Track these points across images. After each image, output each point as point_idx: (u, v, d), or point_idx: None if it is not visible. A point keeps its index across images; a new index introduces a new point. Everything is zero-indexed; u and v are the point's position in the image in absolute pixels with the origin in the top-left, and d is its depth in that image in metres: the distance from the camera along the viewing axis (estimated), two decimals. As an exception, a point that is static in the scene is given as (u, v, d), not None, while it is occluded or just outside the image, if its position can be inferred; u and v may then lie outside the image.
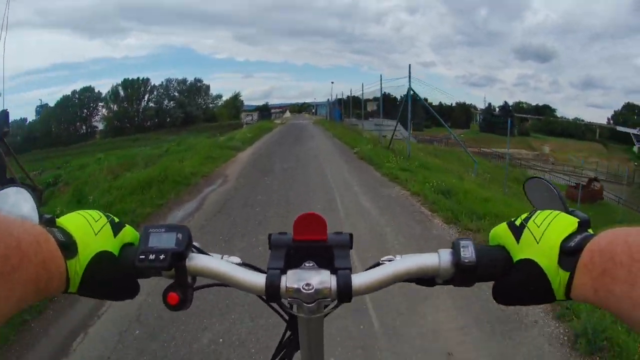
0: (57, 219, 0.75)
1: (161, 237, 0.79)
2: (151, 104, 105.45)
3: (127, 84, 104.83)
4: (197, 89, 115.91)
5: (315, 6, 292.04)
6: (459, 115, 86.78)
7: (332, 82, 79.28)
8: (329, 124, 47.45)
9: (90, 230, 0.77)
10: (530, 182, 0.99)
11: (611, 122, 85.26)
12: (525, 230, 0.75)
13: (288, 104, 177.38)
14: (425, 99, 19.59)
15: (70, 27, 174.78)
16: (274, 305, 0.89)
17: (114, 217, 0.84)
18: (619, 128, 74.68)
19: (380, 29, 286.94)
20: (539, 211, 0.78)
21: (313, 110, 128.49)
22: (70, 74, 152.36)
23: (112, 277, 0.78)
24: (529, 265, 0.71)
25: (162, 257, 0.76)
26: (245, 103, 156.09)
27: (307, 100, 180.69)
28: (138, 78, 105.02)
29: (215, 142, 24.36)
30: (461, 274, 0.77)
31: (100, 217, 0.81)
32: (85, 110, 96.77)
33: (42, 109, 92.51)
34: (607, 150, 70.32)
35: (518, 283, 0.74)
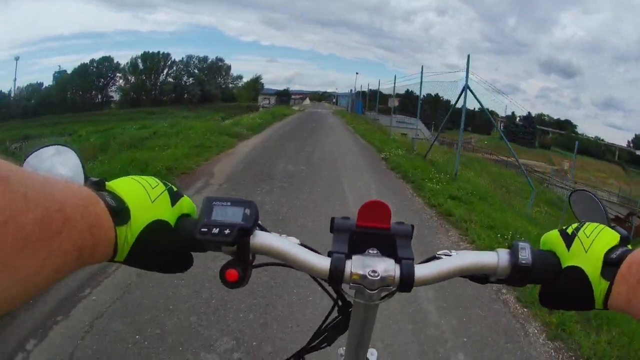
0: (107, 183, 0.71)
1: (226, 210, 0.75)
2: (170, 79, 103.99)
3: (146, 57, 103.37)
4: (217, 68, 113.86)
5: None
6: (480, 120, 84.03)
7: (357, 73, 74.31)
8: (350, 116, 43.53)
9: (146, 197, 0.73)
10: (576, 195, 1.00)
11: (631, 145, 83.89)
12: (576, 240, 0.77)
13: (309, 92, 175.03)
14: (448, 101, 17.50)
15: None
16: (328, 288, 0.88)
17: (173, 186, 0.80)
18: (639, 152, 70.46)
19: (409, 28, 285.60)
20: (587, 223, 0.80)
21: (334, 100, 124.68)
22: (93, 43, 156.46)
23: (166, 249, 0.74)
24: (577, 272, 0.74)
25: (227, 231, 0.72)
26: (267, 87, 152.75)
27: (329, 90, 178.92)
28: (158, 52, 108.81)
29: (217, 125, 20.48)
30: (517, 274, 0.78)
31: (158, 184, 0.77)
32: (102, 80, 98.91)
33: (60, 75, 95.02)
34: (625, 173, 67.70)
35: (565, 288, 0.76)
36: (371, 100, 42.08)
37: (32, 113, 79.53)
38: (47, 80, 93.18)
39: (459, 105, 13.11)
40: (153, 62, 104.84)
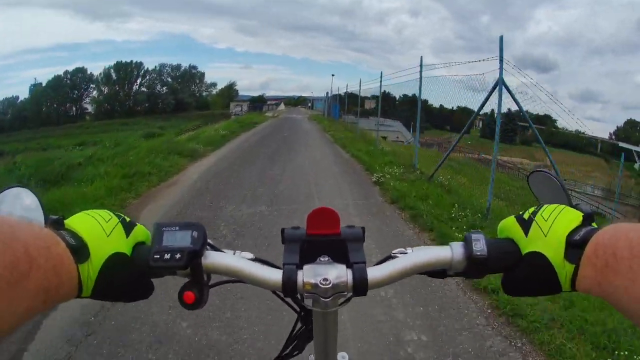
0: (65, 221, 0.71)
1: (175, 235, 0.75)
2: (143, 89, 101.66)
3: (119, 66, 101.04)
4: (191, 75, 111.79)
5: (318, 3, 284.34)
6: (459, 119, 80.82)
7: (333, 75, 69.64)
8: (327, 121, 39.49)
9: (101, 232, 0.73)
10: (535, 176, 0.96)
11: (613, 137, 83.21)
12: (534, 224, 0.75)
13: (285, 97, 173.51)
14: (426, 100, 16.62)
15: (72, 9, 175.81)
16: (288, 299, 0.88)
17: (125, 216, 0.80)
18: (622, 144, 70.72)
19: (382, 29, 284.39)
20: (545, 205, 0.77)
21: (309, 105, 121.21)
22: (70, 55, 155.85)
23: (126, 279, 0.74)
24: (538, 257, 0.71)
25: (177, 256, 0.72)
26: (242, 93, 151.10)
27: (304, 94, 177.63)
28: (131, 61, 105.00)
29: (168, 142, 16.72)
30: (473, 266, 0.77)
31: (111, 217, 0.77)
32: (76, 92, 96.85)
33: (34, 87, 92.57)
34: (608, 166, 64.91)
35: (527, 275, 0.74)
36: (349, 103, 37.78)
37: (8, 128, 79.36)
38: (24, 94, 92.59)
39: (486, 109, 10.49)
40: (126, 71, 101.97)
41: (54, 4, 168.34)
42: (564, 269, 0.67)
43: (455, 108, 17.65)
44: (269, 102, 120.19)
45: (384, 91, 20.69)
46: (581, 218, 0.70)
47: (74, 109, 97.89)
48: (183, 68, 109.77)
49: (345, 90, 37.79)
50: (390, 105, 25.68)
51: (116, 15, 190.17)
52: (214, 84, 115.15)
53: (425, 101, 16.46)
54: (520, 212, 0.79)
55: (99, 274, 0.68)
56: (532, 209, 0.78)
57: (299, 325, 0.99)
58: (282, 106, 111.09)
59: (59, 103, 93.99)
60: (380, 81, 19.42)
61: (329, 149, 19.19)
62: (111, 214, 0.77)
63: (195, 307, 0.75)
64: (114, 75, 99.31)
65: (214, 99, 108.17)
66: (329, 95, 48.75)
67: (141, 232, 0.80)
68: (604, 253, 0.59)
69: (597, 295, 0.62)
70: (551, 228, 0.71)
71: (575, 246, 0.66)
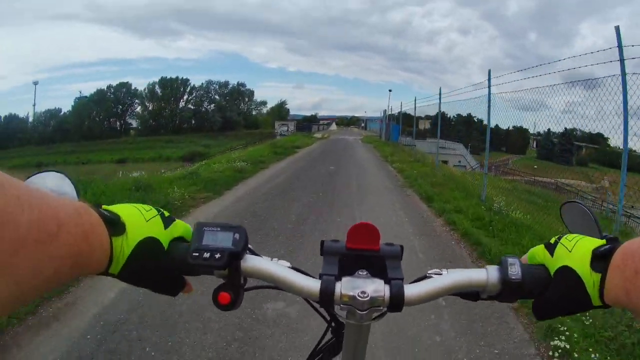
0: (103, 205, 0.69)
1: (217, 235, 0.76)
2: (190, 106, 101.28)
3: (164, 82, 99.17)
4: (239, 93, 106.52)
5: (368, 22, 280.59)
6: (515, 139, 77.81)
7: (390, 91, 57.72)
8: (385, 146, 31.28)
9: (140, 216, 0.73)
10: (567, 206, 0.97)
11: None
12: (559, 245, 0.76)
13: (337, 117, 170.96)
14: (481, 120, 15.77)
15: (121, 25, 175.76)
16: (320, 310, 0.90)
17: (165, 211, 0.80)
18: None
19: (432, 49, 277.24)
20: (570, 233, 0.78)
21: (362, 125, 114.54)
22: (118, 70, 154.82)
23: (159, 268, 0.74)
24: (564, 271, 0.72)
25: (217, 256, 0.73)
26: (294, 112, 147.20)
27: (357, 114, 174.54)
28: (177, 77, 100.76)
29: (178, 177, 12.34)
30: (507, 290, 0.77)
31: (151, 208, 0.77)
32: (119, 106, 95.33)
33: (78, 100, 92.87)
34: None
35: (556, 293, 0.73)
36: (402, 124, 35.59)
37: (48, 140, 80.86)
38: (68, 107, 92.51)
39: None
40: (172, 87, 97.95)
41: (102, 19, 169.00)
42: (590, 279, 0.67)
43: (511, 128, 14.98)
44: (321, 122, 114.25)
45: (443, 112, 19.05)
46: (605, 241, 0.68)
47: (118, 123, 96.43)
48: (231, 85, 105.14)
49: (399, 110, 32.35)
50: (446, 126, 23.53)
51: (166, 33, 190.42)
52: (264, 102, 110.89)
53: (481, 121, 15.67)
54: (549, 241, 0.79)
55: (132, 253, 0.67)
56: (558, 236, 0.78)
57: (328, 336, 0.98)
58: (333, 126, 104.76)
59: (102, 117, 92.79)
60: (440, 99, 16.95)
61: (399, 196, 11.41)
62: (151, 206, 0.77)
63: (229, 308, 0.75)
64: (159, 91, 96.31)
65: (264, 117, 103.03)
66: (386, 113, 40.21)
67: (180, 227, 0.79)
68: (633, 261, 0.59)
69: (626, 306, 0.61)
70: (576, 245, 0.72)
71: (601, 257, 0.66)
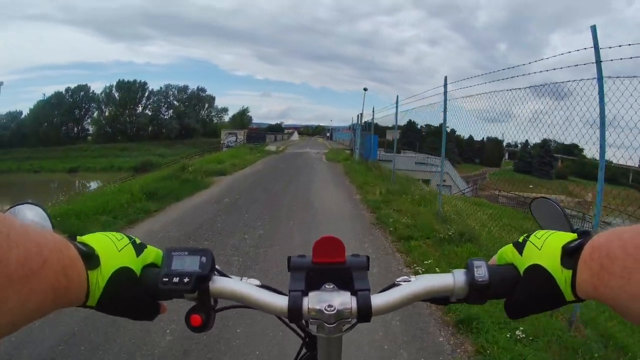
0: (77, 237, 0.70)
1: (184, 260, 0.75)
2: (147, 111, 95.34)
3: (121, 85, 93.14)
4: (198, 99, 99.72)
5: (337, 32, 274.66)
6: (490, 151, 75.13)
7: (366, 89, 41.59)
8: (362, 169, 20.45)
9: (113, 246, 0.72)
10: (536, 203, 0.95)
11: None
12: (528, 243, 0.74)
13: (302, 126, 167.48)
14: (454, 131, 13.71)
15: (92, 27, 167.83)
16: (293, 325, 0.89)
17: (136, 238, 0.79)
18: (655, 172, 60.21)
19: (401, 59, 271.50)
20: (539, 230, 0.77)
21: (327, 134, 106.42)
22: (90, 74, 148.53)
23: (133, 296, 0.73)
24: (534, 269, 0.70)
25: (186, 280, 0.72)
26: (260, 121, 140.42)
27: (322, 124, 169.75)
28: (135, 80, 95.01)
29: None
30: (475, 293, 0.76)
31: (122, 237, 0.76)
32: (77, 111, 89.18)
33: (40, 103, 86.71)
34: None
35: (527, 291, 0.72)
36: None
37: (6, 144, 74.28)
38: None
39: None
40: (129, 91, 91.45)
41: (74, 21, 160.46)
42: (562, 276, 0.66)
43: (485, 139, 13.99)
44: (286, 131, 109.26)
45: (410, 120, 18.54)
46: (576, 235, 0.68)
47: (75, 129, 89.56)
48: (190, 90, 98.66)
49: (371, 117, 24.65)
50: (415, 137, 23.23)
51: (135, 37, 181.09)
52: (225, 109, 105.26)
53: (453, 131, 14.61)
54: (518, 240, 0.77)
55: (107, 285, 0.67)
56: (526, 234, 0.76)
57: (303, 351, 0.98)
58: (295, 136, 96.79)
59: (60, 122, 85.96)
60: (397, 106, 15.35)
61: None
62: (123, 235, 0.76)
63: (201, 330, 0.74)
64: (116, 95, 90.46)
65: (225, 125, 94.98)
66: (359, 120, 28.76)
67: (151, 254, 0.79)
68: (599, 255, 0.59)
69: (596, 299, 0.62)
70: (545, 242, 0.70)
71: (570, 253, 0.65)
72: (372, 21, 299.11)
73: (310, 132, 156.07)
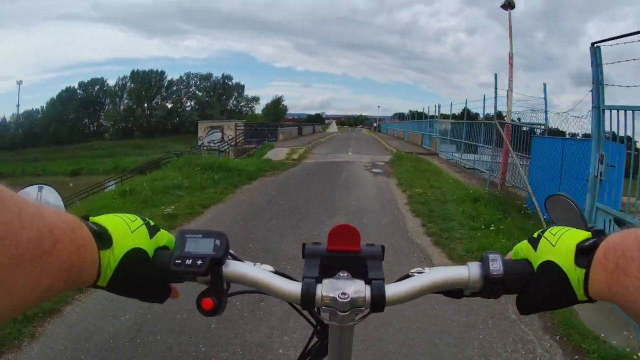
0: (90, 217, 0.67)
1: (198, 242, 0.71)
2: (167, 104, 79.26)
3: (137, 76, 76.60)
4: (225, 88, 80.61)
5: (375, 22, 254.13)
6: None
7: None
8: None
9: (126, 227, 0.69)
10: (552, 199, 0.91)
11: None
12: (542, 239, 0.69)
13: (344, 116, 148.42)
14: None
15: (127, 24, 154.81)
16: (305, 312, 0.83)
17: (150, 220, 0.76)
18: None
19: (440, 48, 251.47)
20: (554, 226, 0.72)
21: (375, 124, 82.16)
22: (126, 69, 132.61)
23: (145, 277, 0.70)
24: (548, 266, 0.66)
25: (199, 262, 0.69)
26: (301, 111, 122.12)
27: (365, 113, 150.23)
28: (151, 70, 78.35)
29: None
30: (489, 286, 0.72)
31: (136, 218, 0.73)
32: (91, 107, 75.83)
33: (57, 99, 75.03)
34: None
35: (540, 288, 0.68)
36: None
37: (19, 144, 66.94)
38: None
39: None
40: (145, 82, 75.11)
41: (108, 18, 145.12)
42: (575, 274, 0.62)
43: None
44: (326, 121, 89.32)
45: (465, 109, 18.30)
46: (591, 234, 0.64)
47: (92, 126, 77.28)
48: (214, 78, 79.88)
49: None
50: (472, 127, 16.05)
51: (172, 32, 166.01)
52: (256, 98, 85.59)
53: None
54: (533, 234, 0.73)
55: (119, 265, 0.64)
56: (542, 229, 0.72)
57: (314, 340, 0.90)
58: (333, 127, 72.29)
59: (75, 119, 74.03)
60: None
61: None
62: (137, 216, 0.73)
63: (212, 314, 0.71)
64: (131, 87, 75.70)
65: (255, 116, 76.78)
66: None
67: (164, 237, 0.75)
68: (614, 255, 0.56)
69: (609, 300, 0.58)
70: (560, 239, 0.66)
71: (585, 251, 0.61)
72: (410, 11, 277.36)
73: (352, 122, 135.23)
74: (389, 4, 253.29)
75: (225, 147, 25.58)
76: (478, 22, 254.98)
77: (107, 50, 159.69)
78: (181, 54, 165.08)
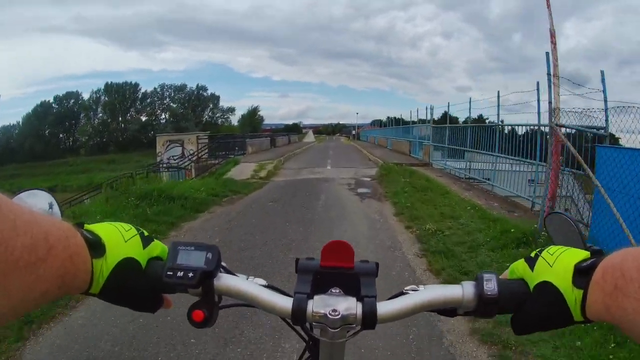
0: (84, 224, 0.66)
1: (190, 254, 0.71)
2: (141, 117, 76.21)
3: (111, 89, 73.22)
4: (200, 99, 78.39)
5: (352, 28, 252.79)
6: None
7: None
8: None
9: (120, 237, 0.69)
10: (551, 217, 0.89)
11: None
12: (539, 259, 0.68)
13: (321, 125, 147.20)
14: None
15: (106, 37, 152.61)
16: (297, 328, 0.83)
17: (144, 231, 0.75)
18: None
19: (416, 54, 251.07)
20: (552, 246, 0.71)
21: (354, 132, 79.90)
22: (104, 82, 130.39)
23: (136, 287, 0.69)
24: (545, 287, 0.64)
25: (190, 275, 0.68)
26: (279, 121, 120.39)
27: (342, 122, 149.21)
28: (125, 82, 75.57)
29: None
30: (483, 306, 0.70)
31: (130, 228, 0.72)
32: (66, 121, 72.30)
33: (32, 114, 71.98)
34: None
35: (536, 308, 0.66)
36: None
37: None
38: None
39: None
40: (118, 95, 72.41)
41: (88, 31, 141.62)
42: (572, 295, 0.60)
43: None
44: (304, 131, 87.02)
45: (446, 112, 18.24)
46: (589, 254, 0.62)
47: (68, 141, 73.21)
48: (188, 89, 77.30)
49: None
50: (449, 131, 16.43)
51: (151, 44, 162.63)
52: (231, 109, 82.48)
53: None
54: (530, 254, 0.71)
55: (111, 274, 0.64)
56: (539, 249, 0.70)
57: (306, 354, 0.89)
58: (310, 136, 70.12)
59: (50, 134, 70.76)
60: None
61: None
62: (131, 226, 0.73)
63: (203, 325, 0.69)
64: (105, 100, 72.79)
65: (231, 128, 73.35)
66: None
67: (158, 247, 0.74)
68: (613, 276, 0.54)
69: (607, 321, 0.56)
70: (557, 259, 0.64)
71: (583, 272, 0.59)
72: (387, 17, 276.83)
73: (330, 130, 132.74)
74: (366, 10, 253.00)
75: (186, 164, 22.37)
76: (454, 25, 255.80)
77: (87, 63, 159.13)
78: (159, 66, 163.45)
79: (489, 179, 11.93)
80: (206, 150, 23.77)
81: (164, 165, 24.01)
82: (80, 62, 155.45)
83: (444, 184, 11.75)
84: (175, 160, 25.21)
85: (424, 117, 20.28)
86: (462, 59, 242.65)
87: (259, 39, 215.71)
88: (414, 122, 23.22)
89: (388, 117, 39.61)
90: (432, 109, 19.07)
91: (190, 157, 24.41)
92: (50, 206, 0.77)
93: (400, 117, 32.22)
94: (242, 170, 15.81)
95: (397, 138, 28.63)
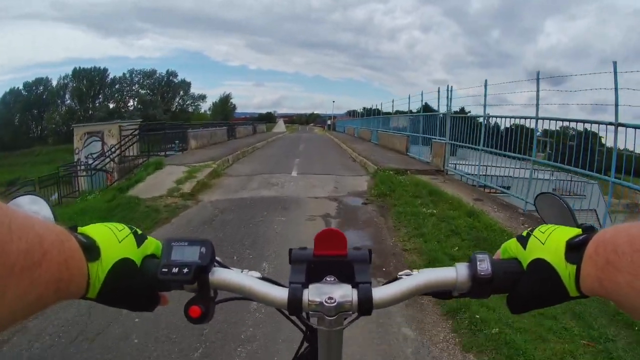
0: (78, 227, 0.66)
1: (184, 250, 0.70)
2: (108, 103, 69.82)
3: (79, 74, 67.41)
4: (170, 85, 73.12)
5: (331, 19, 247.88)
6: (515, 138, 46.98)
7: None
8: None
9: (113, 238, 0.68)
10: (541, 198, 0.88)
11: None
12: (531, 238, 0.68)
13: (295, 114, 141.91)
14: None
15: (85, 24, 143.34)
16: (294, 318, 0.82)
17: (137, 229, 0.74)
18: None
19: (394, 46, 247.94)
20: (543, 224, 0.71)
21: (329, 122, 74.57)
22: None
23: (133, 286, 0.68)
24: (538, 263, 0.64)
25: (185, 270, 0.67)
26: (253, 110, 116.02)
27: (317, 112, 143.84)
28: (93, 67, 69.26)
29: None
30: (478, 287, 0.70)
31: (124, 228, 0.72)
32: (35, 108, 66.75)
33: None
34: None
35: (530, 286, 0.66)
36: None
37: None
38: None
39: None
40: (88, 81, 67.17)
41: (67, 18, 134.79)
42: (566, 271, 0.60)
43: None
44: (281, 119, 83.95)
45: (426, 103, 16.28)
46: (581, 230, 0.62)
47: (37, 129, 67.93)
48: (157, 75, 71.84)
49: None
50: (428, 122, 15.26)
51: (128, 31, 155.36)
52: (202, 97, 77.73)
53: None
54: (522, 233, 0.71)
55: (107, 276, 0.63)
56: (531, 228, 0.71)
57: (305, 344, 0.91)
58: (280, 126, 65.82)
59: (19, 122, 66.05)
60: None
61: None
62: (124, 225, 0.71)
63: (200, 321, 0.68)
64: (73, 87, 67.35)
65: (201, 116, 69.98)
66: None
67: (152, 245, 0.73)
68: (605, 250, 0.54)
69: (601, 296, 0.57)
70: (549, 237, 0.64)
71: (575, 247, 0.59)
72: (366, 9, 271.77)
73: (304, 120, 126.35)
74: (345, 1, 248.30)
75: (107, 164, 16.71)
76: (433, 19, 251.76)
77: (66, 51, 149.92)
78: (137, 53, 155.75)
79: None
80: (131, 146, 17.37)
81: (82, 166, 18.72)
82: (58, 50, 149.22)
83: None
84: (94, 158, 19.05)
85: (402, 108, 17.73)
86: (440, 53, 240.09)
87: (237, 28, 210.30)
88: (417, 112, 17.42)
89: (364, 108, 34.95)
90: (451, 90, 13.13)
91: (109, 154, 17.93)
92: (44, 210, 0.74)
93: (376, 107, 27.80)
94: (162, 180, 10.31)
95: (387, 131, 22.94)
